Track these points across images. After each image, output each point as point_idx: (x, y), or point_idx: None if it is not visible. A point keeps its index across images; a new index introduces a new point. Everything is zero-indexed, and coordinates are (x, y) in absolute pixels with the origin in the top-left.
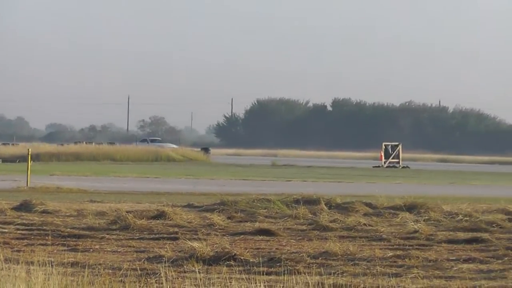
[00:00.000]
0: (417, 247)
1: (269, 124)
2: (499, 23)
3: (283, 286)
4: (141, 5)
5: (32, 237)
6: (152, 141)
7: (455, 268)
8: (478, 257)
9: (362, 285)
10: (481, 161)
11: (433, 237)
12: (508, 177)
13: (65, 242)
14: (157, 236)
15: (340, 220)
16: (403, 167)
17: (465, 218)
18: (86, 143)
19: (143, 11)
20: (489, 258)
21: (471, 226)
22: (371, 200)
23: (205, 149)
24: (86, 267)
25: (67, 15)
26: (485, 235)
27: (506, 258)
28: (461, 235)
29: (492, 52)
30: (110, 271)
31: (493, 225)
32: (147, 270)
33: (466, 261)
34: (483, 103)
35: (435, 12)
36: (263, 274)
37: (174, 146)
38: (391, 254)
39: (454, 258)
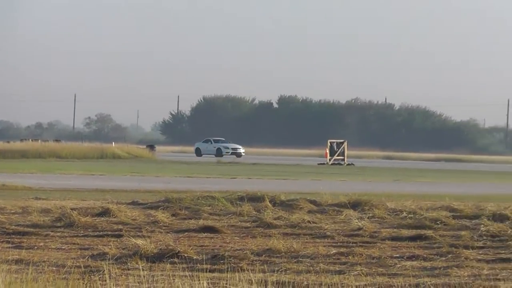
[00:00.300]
0: (360, 244)
1: (215, 121)
2: (445, 22)
3: (226, 283)
4: (85, 4)
5: None
6: (216, 141)
7: (399, 265)
8: (421, 254)
9: (305, 282)
10: (427, 158)
11: (377, 234)
12: (453, 174)
13: (9, 240)
14: (101, 233)
15: (284, 217)
16: (348, 164)
17: (410, 215)
18: (32, 140)
19: (89, 10)
20: (432, 255)
21: (415, 223)
22: (316, 198)
23: (151, 146)
24: (30, 264)
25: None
26: (429, 232)
27: (449, 255)
28: (405, 232)
29: (438, 50)
30: (54, 268)
31: (437, 222)
32: (91, 267)
33: (409, 258)
34: (430, 100)
35: (381, 11)
36: (206, 271)
37: (239, 146)
38: (334, 251)
39: (397, 255)
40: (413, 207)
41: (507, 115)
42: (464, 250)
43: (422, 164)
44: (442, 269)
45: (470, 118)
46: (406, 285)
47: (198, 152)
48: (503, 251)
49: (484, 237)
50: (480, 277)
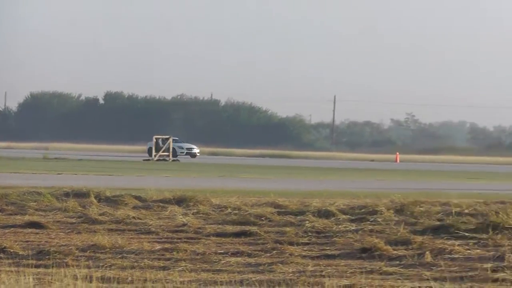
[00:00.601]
0: (185, 240)
1: (42, 117)
2: (268, 19)
3: (51, 279)
4: None
5: None
6: (173, 141)
7: (223, 261)
8: (246, 250)
9: (129, 278)
10: (252, 154)
11: (201, 230)
12: (279, 170)
13: None
14: None
15: (109, 213)
16: (173, 160)
17: (234, 212)
18: None
19: None
20: (257, 252)
21: (240, 220)
22: (141, 193)
23: None
24: None
25: None
26: (254, 229)
27: (274, 252)
28: (230, 228)
29: (263, 47)
30: None
31: (262, 218)
32: None
33: (234, 254)
34: (255, 96)
35: (203, 11)
36: (32, 267)
37: (194, 146)
38: (159, 247)
39: (222, 251)
40: (238, 203)
41: (334, 111)
42: (289, 246)
43: (247, 160)
44: (266, 265)
45: (296, 114)
46: (231, 281)
47: (151, 152)
48: (328, 248)
49: (309, 233)
50: (305, 274)
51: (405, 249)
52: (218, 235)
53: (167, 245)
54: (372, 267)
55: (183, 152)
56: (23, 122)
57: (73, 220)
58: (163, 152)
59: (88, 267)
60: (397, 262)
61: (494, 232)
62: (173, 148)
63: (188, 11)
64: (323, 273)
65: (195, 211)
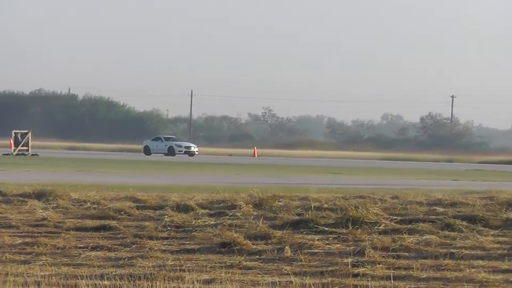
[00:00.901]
0: (45, 234)
1: None
2: (123, 14)
3: None
4: None
5: None
6: (167, 139)
7: (83, 256)
8: (106, 244)
9: None
10: (110, 148)
11: (61, 225)
12: (136, 165)
13: None
14: None
15: None
16: (33, 154)
17: (94, 206)
18: None
19: None
20: (117, 246)
21: (99, 214)
22: (1, 188)
23: None
24: None
25: None
26: (113, 223)
27: (134, 246)
28: (90, 222)
29: (116, 41)
30: None
31: (122, 212)
32: None
33: (94, 248)
34: (113, 90)
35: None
36: None
37: (192, 145)
38: (20, 241)
39: (82, 245)
40: (97, 197)
41: (191, 105)
42: (148, 241)
43: (105, 155)
44: (126, 259)
45: (153, 109)
46: (92, 276)
47: (147, 151)
48: (187, 242)
49: (169, 228)
50: (165, 268)
51: (265, 244)
52: (78, 229)
53: (27, 239)
54: (232, 261)
55: (181, 151)
56: None
57: None
58: (22, 146)
59: None
60: (257, 257)
61: (354, 227)
62: (171, 147)
63: (45, 7)
64: (183, 268)
65: (54, 205)
